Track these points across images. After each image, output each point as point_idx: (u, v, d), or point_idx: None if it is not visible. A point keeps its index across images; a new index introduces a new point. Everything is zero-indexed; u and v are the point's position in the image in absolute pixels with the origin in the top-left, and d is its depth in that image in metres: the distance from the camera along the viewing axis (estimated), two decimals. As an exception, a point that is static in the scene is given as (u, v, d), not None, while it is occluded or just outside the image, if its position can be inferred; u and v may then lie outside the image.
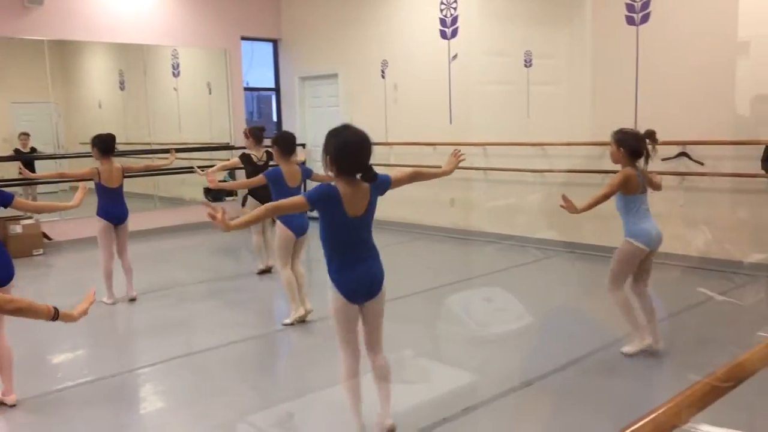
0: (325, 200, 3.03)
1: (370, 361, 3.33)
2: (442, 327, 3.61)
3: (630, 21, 7.02)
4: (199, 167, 5.51)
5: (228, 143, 10.63)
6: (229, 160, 8.00)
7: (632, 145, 4.31)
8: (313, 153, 10.55)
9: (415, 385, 3.58)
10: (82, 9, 9.08)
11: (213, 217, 2.88)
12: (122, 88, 10.30)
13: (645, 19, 6.92)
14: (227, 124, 10.71)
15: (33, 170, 8.56)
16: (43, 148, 9.33)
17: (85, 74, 10.41)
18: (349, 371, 3.23)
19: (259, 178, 5.48)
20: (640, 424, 1.41)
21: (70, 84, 10.16)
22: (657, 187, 4.54)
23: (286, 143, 5.35)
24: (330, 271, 3.14)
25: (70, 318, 3.22)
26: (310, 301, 5.44)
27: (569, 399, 3.95)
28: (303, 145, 10.71)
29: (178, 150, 10.03)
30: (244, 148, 7.68)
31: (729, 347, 4.21)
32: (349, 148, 3.05)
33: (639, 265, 4.44)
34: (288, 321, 5.35)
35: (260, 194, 6.48)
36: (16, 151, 9.14)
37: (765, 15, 6.17)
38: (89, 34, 9.22)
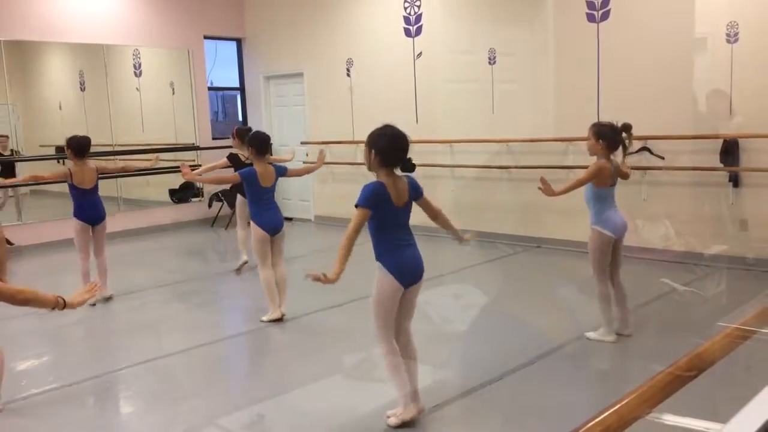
0: (376, 199, 3.39)
1: (402, 345, 3.58)
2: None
3: (591, 18, 7.13)
4: (189, 165, 5.41)
5: (193, 143, 10.51)
6: (194, 160, 7.95)
7: (610, 137, 4.49)
8: (280, 152, 10.49)
9: (386, 384, 3.60)
10: (39, 9, 8.88)
11: (318, 279, 3.19)
12: (83, 89, 10.10)
13: (605, 16, 7.04)
14: (192, 125, 10.59)
15: (13, 174, 8.44)
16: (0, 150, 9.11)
17: (45, 75, 10.19)
18: (393, 351, 3.50)
19: (233, 176, 5.49)
20: (604, 415, 1.44)
21: (28, 85, 9.94)
22: (625, 176, 4.73)
23: (261, 143, 5.38)
24: (380, 256, 3.48)
25: (72, 305, 3.21)
26: (286, 303, 5.44)
27: (536, 393, 4.00)
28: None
29: (142, 151, 9.96)
30: (209, 148, 7.61)
31: (691, 337, 4.31)
32: (393, 142, 3.44)
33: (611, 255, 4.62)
34: (265, 318, 5.38)
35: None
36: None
37: (721, 11, 6.32)
38: (47, 34, 9.03)
